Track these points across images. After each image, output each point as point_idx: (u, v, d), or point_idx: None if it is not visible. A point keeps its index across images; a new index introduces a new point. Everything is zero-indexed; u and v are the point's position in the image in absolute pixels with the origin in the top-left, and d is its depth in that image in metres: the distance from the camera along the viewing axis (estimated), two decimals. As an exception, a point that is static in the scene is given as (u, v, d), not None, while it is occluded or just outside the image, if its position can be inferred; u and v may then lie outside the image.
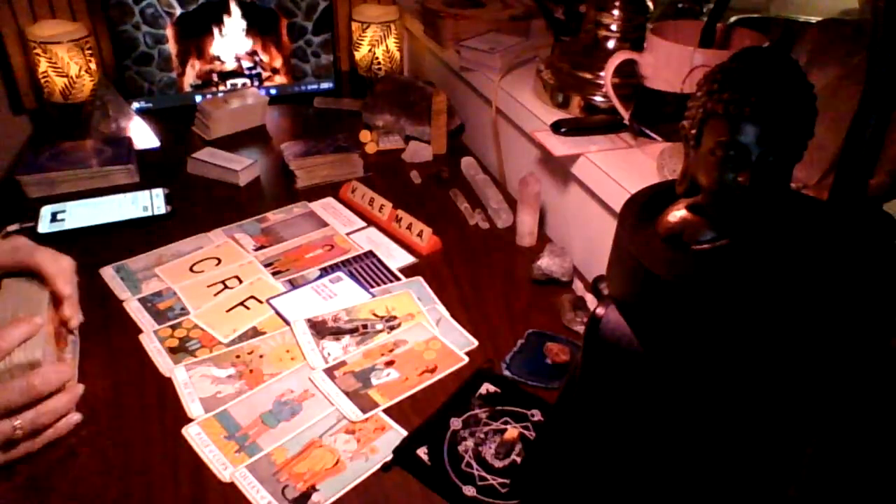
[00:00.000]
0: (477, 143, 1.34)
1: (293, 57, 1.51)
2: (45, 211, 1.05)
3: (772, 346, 0.42)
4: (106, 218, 1.05)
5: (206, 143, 1.30)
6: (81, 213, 1.06)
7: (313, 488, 0.64)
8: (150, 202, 1.09)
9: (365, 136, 1.31)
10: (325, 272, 0.95)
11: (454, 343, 0.82)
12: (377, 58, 1.56)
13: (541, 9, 1.22)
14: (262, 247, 1.00)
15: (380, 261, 0.97)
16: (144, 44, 1.39)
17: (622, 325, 0.49)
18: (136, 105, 1.42)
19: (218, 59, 1.51)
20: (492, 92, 1.17)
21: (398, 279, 0.94)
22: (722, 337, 0.42)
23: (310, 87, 1.55)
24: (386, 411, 0.73)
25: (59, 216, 1.05)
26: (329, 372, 0.77)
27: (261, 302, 0.89)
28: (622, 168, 0.87)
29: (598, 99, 1.00)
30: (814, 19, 1.01)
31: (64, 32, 1.36)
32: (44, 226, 1.02)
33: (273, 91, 1.52)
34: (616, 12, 0.99)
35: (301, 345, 0.81)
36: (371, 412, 0.72)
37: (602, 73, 0.94)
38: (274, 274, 0.94)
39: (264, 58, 1.54)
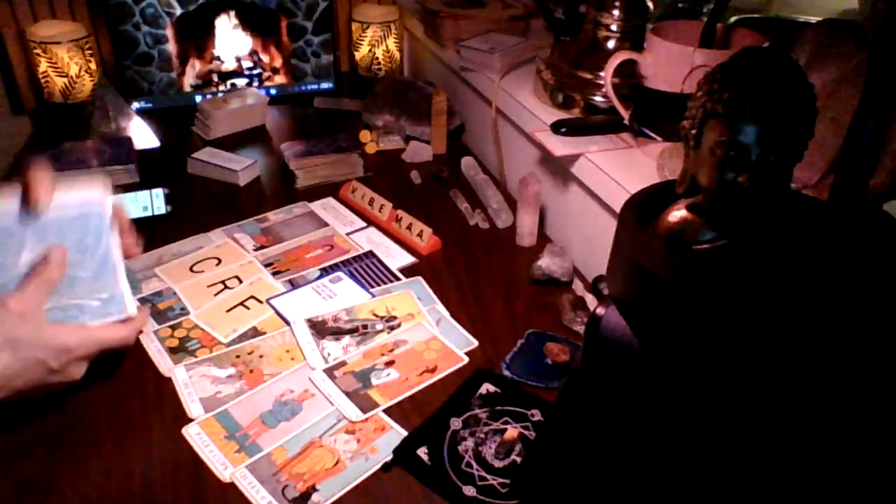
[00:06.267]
0: (477, 143, 1.34)
1: (293, 57, 1.51)
2: (45, 211, 1.05)
3: (772, 345, 0.42)
4: (106, 218, 1.05)
5: (206, 143, 1.30)
6: (81, 213, 1.05)
7: (313, 488, 0.64)
8: (150, 202, 1.08)
9: (365, 136, 1.31)
10: (325, 272, 0.95)
11: (454, 343, 0.82)
12: (377, 58, 1.56)
13: (541, 9, 1.22)
14: (262, 247, 1.00)
15: (380, 261, 0.97)
16: (144, 44, 1.39)
17: (622, 325, 0.49)
18: (136, 105, 1.42)
19: (218, 59, 1.51)
20: (492, 92, 1.17)
21: (398, 279, 0.94)
22: (722, 337, 0.42)
23: (310, 87, 1.55)
24: (386, 411, 0.73)
25: (59, 216, 1.04)
26: (329, 372, 0.77)
27: (261, 302, 0.89)
28: (622, 168, 0.87)
29: (598, 99, 0.99)
30: (814, 19, 1.01)
31: (64, 32, 1.36)
32: (44, 226, 1.02)
33: (273, 91, 1.52)
34: (616, 12, 0.99)
35: (301, 345, 0.81)
36: (371, 412, 0.72)
37: (602, 73, 0.94)
38: (274, 274, 0.94)
39: (264, 58, 1.54)
